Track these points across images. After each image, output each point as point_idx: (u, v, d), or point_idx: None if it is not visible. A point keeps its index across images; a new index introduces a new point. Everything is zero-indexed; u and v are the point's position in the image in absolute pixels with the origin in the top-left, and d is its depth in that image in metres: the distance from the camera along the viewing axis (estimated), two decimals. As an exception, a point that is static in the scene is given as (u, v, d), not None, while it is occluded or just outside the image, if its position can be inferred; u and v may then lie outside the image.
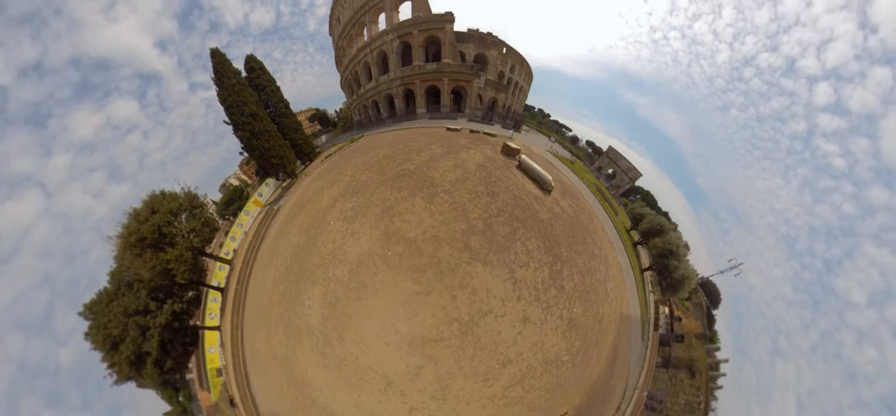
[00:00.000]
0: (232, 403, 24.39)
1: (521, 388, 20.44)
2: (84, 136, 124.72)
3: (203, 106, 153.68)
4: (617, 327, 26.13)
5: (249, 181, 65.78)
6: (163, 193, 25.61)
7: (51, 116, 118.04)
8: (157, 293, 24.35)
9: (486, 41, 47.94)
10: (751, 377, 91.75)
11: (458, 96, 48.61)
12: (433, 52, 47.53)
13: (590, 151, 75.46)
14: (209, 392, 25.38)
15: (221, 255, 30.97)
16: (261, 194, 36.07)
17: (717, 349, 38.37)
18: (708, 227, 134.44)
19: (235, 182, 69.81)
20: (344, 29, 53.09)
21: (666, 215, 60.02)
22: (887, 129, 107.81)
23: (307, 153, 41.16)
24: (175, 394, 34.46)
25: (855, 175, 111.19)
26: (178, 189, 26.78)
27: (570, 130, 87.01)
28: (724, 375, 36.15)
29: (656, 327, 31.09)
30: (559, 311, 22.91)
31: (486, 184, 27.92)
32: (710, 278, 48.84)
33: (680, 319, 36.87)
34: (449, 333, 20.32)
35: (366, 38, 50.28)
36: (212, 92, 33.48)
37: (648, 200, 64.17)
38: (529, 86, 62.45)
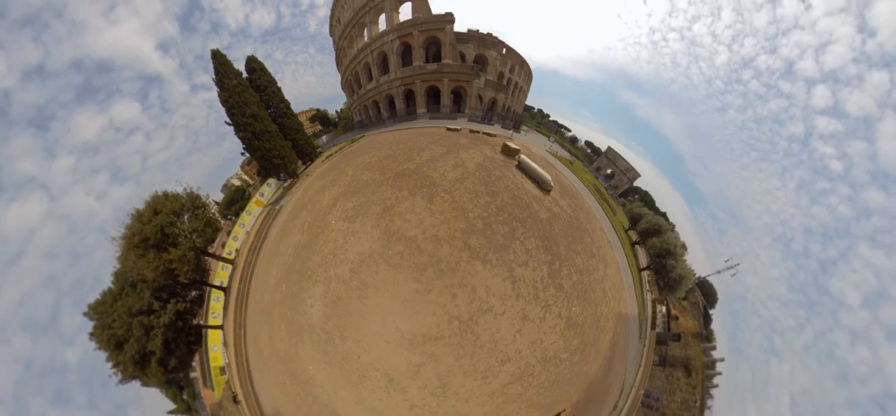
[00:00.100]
0: (235, 400, 24.71)
1: (519, 385, 20.77)
2: (87, 138, 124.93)
3: (205, 107, 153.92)
4: (614, 326, 26.46)
5: (251, 181, 65.95)
6: (165, 194, 25.92)
7: (54, 119, 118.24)
8: (160, 293, 24.65)
9: (485, 42, 48.18)
10: (746, 375, 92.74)
11: (458, 97, 48.88)
12: (433, 52, 47.77)
13: (589, 151, 75.85)
14: (213, 390, 25.67)
15: (224, 255, 31.23)
16: (262, 194, 36.32)
17: (714, 347, 38.80)
18: (705, 227, 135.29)
19: (237, 182, 69.96)
20: (344, 30, 53.30)
21: (664, 215, 60.54)
22: (884, 132, 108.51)
23: (308, 153, 41.41)
24: (179, 392, 34.79)
25: (851, 178, 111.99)
26: (180, 190, 27.11)
27: (570, 131, 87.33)
28: (720, 373, 36.59)
29: (653, 325, 31.46)
30: (558, 309, 23.23)
31: (485, 184, 28.21)
32: (707, 278, 49.23)
33: (677, 318, 37.27)
34: (449, 331, 20.63)
35: (366, 38, 50.51)
36: (213, 93, 33.69)
37: (646, 200, 64.62)
38: (529, 86, 62.73)
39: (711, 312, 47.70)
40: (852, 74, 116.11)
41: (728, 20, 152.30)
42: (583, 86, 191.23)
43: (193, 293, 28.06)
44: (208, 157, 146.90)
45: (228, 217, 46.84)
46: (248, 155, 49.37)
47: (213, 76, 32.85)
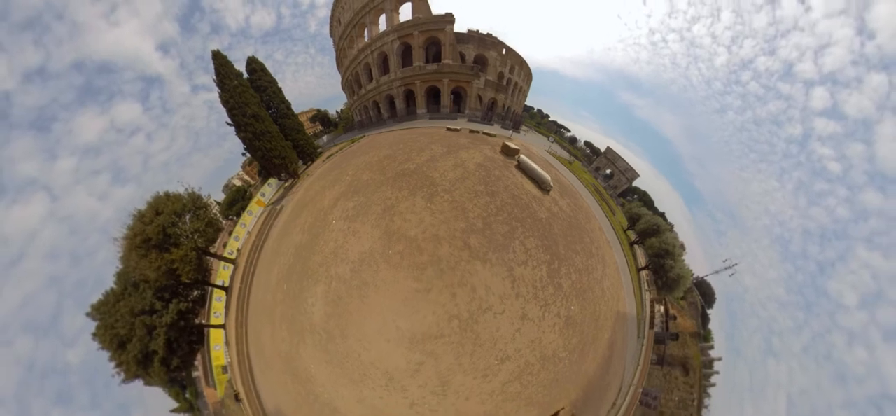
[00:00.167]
0: (237, 399, 24.90)
1: (519, 384, 20.97)
2: (88, 139, 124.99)
3: (205, 108, 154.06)
4: (613, 325, 26.66)
5: (252, 182, 66.16)
6: (167, 195, 26.07)
7: (55, 120, 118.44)
8: (162, 293, 24.79)
9: (485, 42, 48.35)
10: (743, 375, 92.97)
11: (458, 97, 49.06)
12: (433, 52, 47.96)
13: (588, 151, 76.07)
14: (215, 389, 25.85)
15: (225, 254, 31.38)
16: (263, 194, 36.47)
17: (711, 347, 39.06)
18: (704, 228, 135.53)
19: (238, 183, 70.20)
20: (344, 30, 53.47)
21: (662, 215, 60.81)
22: (882, 134, 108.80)
23: (309, 153, 41.55)
24: (182, 391, 34.94)
25: (849, 179, 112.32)
26: (181, 190, 27.26)
27: (569, 131, 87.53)
28: (718, 373, 36.85)
29: (652, 325, 31.65)
30: (557, 308, 23.43)
31: (485, 183, 28.39)
32: (705, 278, 49.49)
33: (675, 317, 37.49)
34: (449, 330, 20.82)
35: (366, 39, 50.71)
36: (214, 94, 33.80)
37: (645, 200, 64.88)
38: (528, 87, 62.91)
39: (709, 312, 48.00)
40: (851, 76, 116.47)
41: (727, 21, 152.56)
42: (582, 86, 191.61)
43: (195, 293, 28.19)
44: (209, 157, 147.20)
45: (230, 217, 47.02)
46: (249, 155, 49.54)
47: (214, 77, 32.97)
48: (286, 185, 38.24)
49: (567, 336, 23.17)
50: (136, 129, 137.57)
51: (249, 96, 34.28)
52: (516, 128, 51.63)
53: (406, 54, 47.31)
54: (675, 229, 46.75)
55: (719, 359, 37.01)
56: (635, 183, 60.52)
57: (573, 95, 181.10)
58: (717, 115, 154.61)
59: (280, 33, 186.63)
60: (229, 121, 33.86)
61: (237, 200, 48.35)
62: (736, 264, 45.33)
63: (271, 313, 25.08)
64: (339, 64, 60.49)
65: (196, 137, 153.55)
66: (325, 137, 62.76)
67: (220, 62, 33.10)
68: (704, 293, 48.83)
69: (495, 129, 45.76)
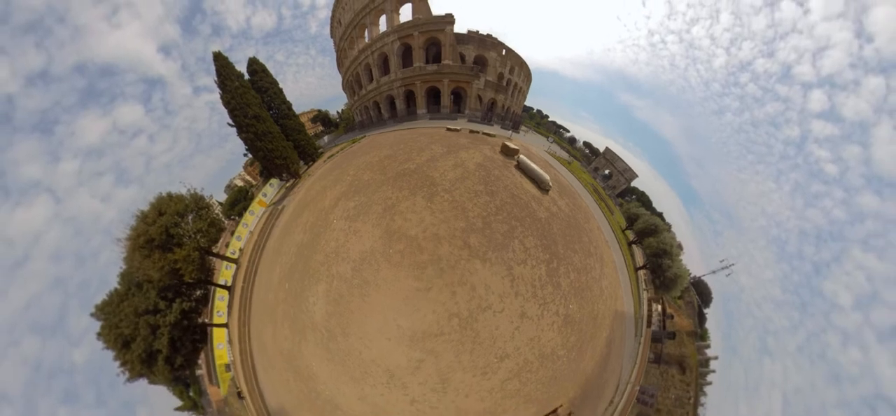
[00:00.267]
0: (240, 396, 25.21)
1: (518, 381, 21.26)
2: (91, 141, 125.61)
3: (207, 109, 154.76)
4: (611, 324, 26.93)
5: (254, 182, 66.48)
6: (169, 196, 26.36)
7: (58, 123, 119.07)
8: (166, 293, 25.10)
9: (485, 43, 48.62)
10: (739, 374, 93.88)
11: (458, 97, 49.34)
12: (433, 53, 48.22)
13: (587, 151, 76.37)
14: (218, 387, 26.16)
15: (228, 254, 31.67)
16: (265, 195, 36.76)
17: (708, 346, 39.42)
18: (701, 228, 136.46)
19: (240, 183, 70.59)
20: (345, 31, 53.73)
21: (660, 215, 61.09)
22: (879, 137, 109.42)
23: (310, 154, 41.82)
24: (185, 389, 35.27)
25: (846, 181, 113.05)
26: (184, 191, 27.58)
27: (568, 131, 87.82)
28: (714, 371, 37.21)
29: (649, 324, 32.00)
30: (555, 307, 23.71)
31: (485, 183, 28.65)
32: (702, 278, 49.88)
33: (672, 316, 37.80)
34: (449, 328, 21.10)
35: (367, 39, 50.97)
36: (215, 95, 34.04)
37: (643, 200, 65.23)
38: (528, 87, 63.18)
39: (706, 311, 48.37)
40: (849, 79, 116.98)
41: (726, 23, 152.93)
42: (582, 87, 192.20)
43: (198, 293, 28.51)
44: (211, 158, 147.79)
45: (232, 217, 47.35)
46: (250, 156, 49.87)
47: (216, 78, 33.22)
48: (287, 185, 38.53)
49: (565, 335, 23.46)
50: (138, 130, 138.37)
51: (251, 97, 34.54)
52: (516, 128, 51.95)
53: (406, 55, 47.58)
54: (673, 229, 46.95)
55: (715, 358, 37.38)
56: (634, 183, 60.87)
57: (572, 96, 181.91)
58: (715, 116, 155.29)
59: (281, 34, 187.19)
60: (231, 122, 34.14)
61: (239, 201, 48.74)
62: (732, 265, 45.73)
63: (273, 311, 25.37)
64: (339, 65, 60.76)
65: (198, 138, 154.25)
66: (325, 138, 63.12)
67: (222, 63, 33.34)
68: (701, 293, 49.22)
69: (495, 129, 46.05)
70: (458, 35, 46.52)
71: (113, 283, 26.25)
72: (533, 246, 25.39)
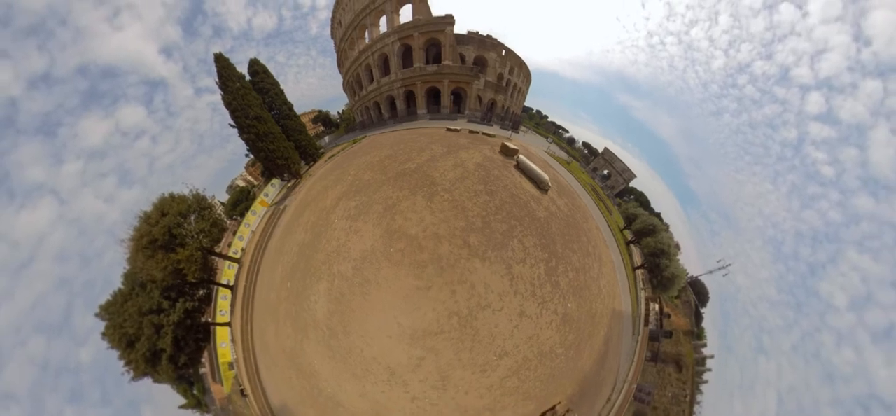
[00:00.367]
0: (243, 394, 25.51)
1: (517, 379, 21.57)
2: (94, 143, 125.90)
3: (209, 110, 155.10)
4: (609, 323, 27.26)
5: (255, 182, 66.64)
6: (172, 196, 26.63)
7: (61, 125, 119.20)
8: (169, 292, 25.37)
9: (485, 44, 48.87)
10: (735, 372, 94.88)
11: (458, 97, 49.62)
12: (433, 54, 48.49)
13: (586, 152, 76.62)
14: (222, 385, 26.40)
15: (230, 254, 31.97)
16: (267, 195, 37.05)
17: (704, 345, 39.81)
18: (698, 228, 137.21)
19: (242, 183, 70.80)
20: (345, 32, 53.98)
21: (658, 215, 61.26)
22: (876, 140, 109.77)
23: (311, 154, 42.10)
24: (189, 388, 35.56)
25: (842, 183, 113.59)
26: (186, 191, 27.84)
27: (567, 132, 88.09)
28: (710, 370, 37.63)
29: (646, 322, 32.34)
30: (554, 306, 24.02)
31: (484, 183, 28.93)
32: (699, 278, 50.12)
33: (669, 315, 38.13)
34: (449, 326, 21.40)
35: (367, 40, 51.22)
36: (217, 96, 34.29)
37: (642, 200, 65.49)
38: (528, 88, 63.48)
39: (703, 310, 48.66)
40: (847, 82, 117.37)
41: (725, 25, 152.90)
42: (581, 88, 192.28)
43: (201, 292, 28.82)
44: (213, 159, 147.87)
45: (234, 217, 47.58)
46: (252, 156, 50.00)
47: (217, 79, 33.51)
48: (289, 185, 38.81)
49: (564, 333, 23.78)
50: (140, 132, 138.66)
51: (252, 98, 34.80)
52: (515, 128, 52.25)
53: (406, 55, 47.83)
54: (671, 229, 47.18)
55: (712, 356, 37.79)
56: (632, 183, 61.10)
57: (572, 97, 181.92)
58: (713, 117, 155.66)
59: (282, 35, 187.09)
60: (232, 123, 34.41)
61: (241, 201, 49.02)
62: (729, 265, 45.85)
63: (276, 310, 25.66)
64: (340, 65, 61.01)
65: (200, 139, 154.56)
66: (326, 138, 63.42)
67: (223, 65, 33.61)
68: (698, 292, 49.55)
69: (494, 129, 46.34)
70: (458, 36, 46.75)
71: (117, 283, 26.62)
72: (532, 245, 25.69)
